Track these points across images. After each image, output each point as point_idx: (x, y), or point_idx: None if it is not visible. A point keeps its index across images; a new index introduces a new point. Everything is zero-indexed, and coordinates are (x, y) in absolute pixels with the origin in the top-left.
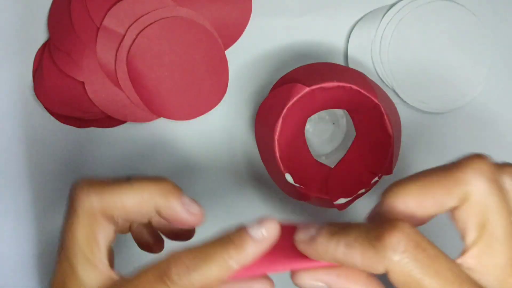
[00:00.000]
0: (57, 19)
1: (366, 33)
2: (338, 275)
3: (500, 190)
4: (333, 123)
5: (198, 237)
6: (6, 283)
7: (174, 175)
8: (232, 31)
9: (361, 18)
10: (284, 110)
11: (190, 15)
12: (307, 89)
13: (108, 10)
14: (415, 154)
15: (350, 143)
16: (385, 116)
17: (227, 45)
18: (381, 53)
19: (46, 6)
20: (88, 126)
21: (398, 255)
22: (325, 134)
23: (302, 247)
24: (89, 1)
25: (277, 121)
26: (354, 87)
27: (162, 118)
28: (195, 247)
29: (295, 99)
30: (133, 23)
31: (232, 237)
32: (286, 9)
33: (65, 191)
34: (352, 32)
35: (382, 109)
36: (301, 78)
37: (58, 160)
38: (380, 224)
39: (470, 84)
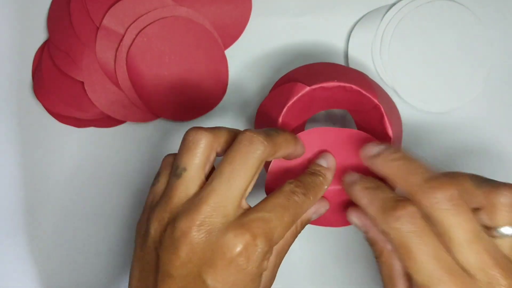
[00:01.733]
0: (57, 19)
1: (366, 33)
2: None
3: (459, 210)
4: (333, 124)
5: None
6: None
7: None
8: (232, 31)
9: (361, 17)
10: (284, 109)
11: (190, 14)
12: (308, 88)
13: (108, 9)
14: (415, 154)
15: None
16: (385, 117)
17: (227, 45)
18: (381, 53)
19: (45, 6)
20: (88, 126)
21: (396, 223)
22: None
23: (345, 185)
24: (88, 1)
25: (277, 121)
26: (354, 87)
27: (162, 118)
28: None
29: (295, 98)
30: (132, 22)
31: None
32: (286, 9)
33: (64, 191)
34: (352, 32)
35: (382, 109)
36: (302, 77)
37: (57, 159)
38: (399, 200)
39: (470, 84)
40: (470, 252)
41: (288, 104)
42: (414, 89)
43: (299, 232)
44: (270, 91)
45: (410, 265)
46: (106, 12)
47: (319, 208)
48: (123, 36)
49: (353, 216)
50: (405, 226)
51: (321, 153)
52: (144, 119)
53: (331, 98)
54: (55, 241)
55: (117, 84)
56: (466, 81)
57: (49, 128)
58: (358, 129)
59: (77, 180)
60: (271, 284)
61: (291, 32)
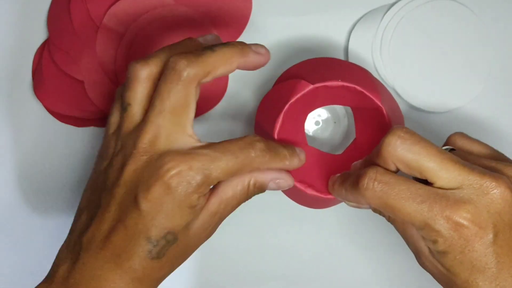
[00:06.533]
0: (57, 18)
1: (366, 32)
2: None
3: (412, 141)
4: (335, 122)
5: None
6: None
7: None
8: (232, 31)
9: (362, 17)
10: (286, 106)
11: (190, 14)
12: (311, 86)
13: (108, 9)
14: None
15: (350, 142)
16: (387, 118)
17: None
18: (382, 52)
19: (45, 5)
20: (88, 125)
21: (366, 191)
22: (326, 132)
23: (329, 190)
24: (88, 0)
25: (278, 117)
26: (358, 88)
27: None
28: None
29: (298, 95)
30: (132, 22)
31: None
32: (286, 8)
33: (64, 190)
34: (353, 31)
35: (385, 111)
36: (306, 74)
37: (57, 159)
38: (360, 171)
39: (470, 84)
40: (446, 171)
41: (291, 101)
42: (414, 89)
43: (251, 194)
44: (274, 85)
45: (403, 217)
46: (106, 11)
47: (279, 178)
48: (123, 36)
49: (350, 206)
50: (376, 188)
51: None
52: None
53: (333, 96)
54: (55, 240)
55: (117, 83)
56: (466, 81)
57: (49, 127)
58: (358, 127)
59: (77, 179)
60: (209, 230)
61: (292, 31)
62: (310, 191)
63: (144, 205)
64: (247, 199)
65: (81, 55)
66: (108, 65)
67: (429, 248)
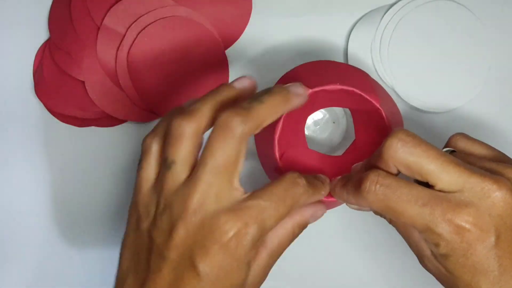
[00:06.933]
0: (58, 19)
1: (366, 33)
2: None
3: (413, 144)
4: (333, 122)
5: None
6: None
7: None
8: (232, 31)
9: (361, 17)
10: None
11: (190, 14)
12: (310, 91)
13: (108, 9)
14: None
15: (349, 142)
16: (386, 120)
17: (227, 44)
18: (381, 52)
19: (46, 6)
20: (88, 126)
21: (368, 194)
22: (324, 133)
23: (331, 193)
24: (89, 1)
25: (278, 122)
26: (356, 90)
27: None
28: None
29: None
30: (133, 22)
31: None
32: (286, 8)
33: (64, 190)
34: (352, 32)
35: (383, 113)
36: (304, 78)
37: (58, 159)
38: (362, 174)
39: (470, 84)
40: (447, 174)
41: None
42: (413, 89)
43: (296, 235)
44: None
45: (404, 220)
46: (107, 12)
47: (316, 211)
48: (124, 36)
49: (353, 208)
50: (378, 192)
51: None
52: (145, 119)
53: (332, 99)
54: (54, 240)
55: (117, 83)
56: (466, 81)
57: (50, 127)
58: (358, 129)
59: (78, 179)
60: (260, 283)
61: (291, 32)
62: None
63: (203, 268)
64: (293, 241)
65: (81, 55)
66: (109, 65)
67: (431, 250)
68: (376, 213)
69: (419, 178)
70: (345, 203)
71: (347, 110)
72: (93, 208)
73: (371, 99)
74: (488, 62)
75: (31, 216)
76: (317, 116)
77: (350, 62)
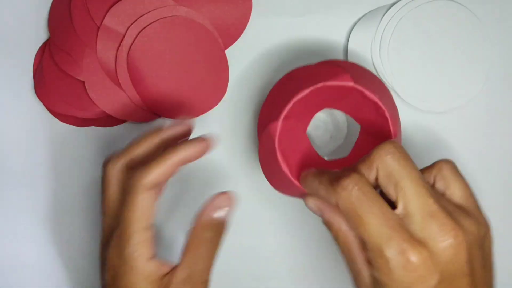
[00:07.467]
0: (58, 19)
1: (366, 33)
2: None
3: (403, 156)
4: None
5: None
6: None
7: None
8: (232, 31)
9: (361, 17)
10: (289, 105)
11: (190, 14)
12: (307, 90)
13: (109, 9)
14: (414, 154)
15: (351, 142)
16: (390, 121)
17: (227, 44)
18: (381, 53)
19: (46, 6)
20: (88, 125)
21: (343, 192)
22: (327, 134)
23: (300, 180)
24: (89, 1)
25: (283, 110)
26: (371, 96)
27: (162, 118)
28: None
29: (305, 92)
30: (133, 22)
31: None
32: (286, 8)
33: (65, 190)
34: (352, 32)
35: (387, 114)
36: (304, 77)
37: (58, 159)
38: (343, 172)
39: (470, 84)
40: (417, 199)
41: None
42: (413, 89)
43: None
44: (268, 95)
45: (362, 230)
46: (107, 11)
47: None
48: (124, 36)
49: (309, 202)
50: (353, 193)
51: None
52: (145, 119)
53: (335, 99)
54: (53, 240)
55: (117, 83)
56: (465, 81)
57: (50, 127)
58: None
59: (78, 179)
60: None
61: (291, 32)
62: None
63: None
64: None
65: (81, 55)
66: (109, 65)
67: (370, 274)
68: (326, 223)
69: (391, 191)
70: (302, 199)
71: (350, 119)
72: (93, 207)
73: (379, 103)
74: (487, 61)
75: (31, 216)
76: (317, 119)
77: (350, 61)
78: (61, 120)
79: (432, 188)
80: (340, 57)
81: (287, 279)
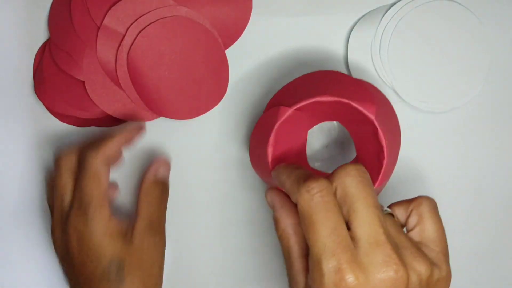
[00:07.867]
0: (58, 19)
1: (365, 33)
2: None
3: (362, 180)
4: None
5: (197, 238)
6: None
7: (173, 174)
8: (232, 31)
9: (361, 17)
10: (272, 135)
11: (190, 14)
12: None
13: (108, 9)
14: (414, 154)
15: (344, 149)
16: (380, 132)
17: (227, 45)
18: (381, 53)
19: (46, 6)
20: (89, 126)
21: (306, 193)
22: (324, 141)
23: (273, 168)
24: (89, 1)
25: (267, 145)
26: (353, 103)
27: (162, 118)
28: None
29: (280, 121)
30: (133, 22)
31: None
32: (286, 8)
33: None
34: (352, 32)
35: (377, 125)
36: (289, 96)
37: None
38: (314, 175)
39: (470, 84)
40: (368, 226)
41: (275, 128)
42: (413, 89)
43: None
44: (262, 115)
45: (310, 236)
46: (107, 12)
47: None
48: (124, 36)
49: (268, 195)
50: (315, 197)
51: None
52: (144, 119)
53: (325, 112)
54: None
55: (118, 83)
56: (465, 81)
57: (50, 127)
58: (353, 137)
59: None
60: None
61: (291, 32)
62: None
63: None
64: None
65: (81, 55)
66: (109, 65)
67: (305, 281)
68: (275, 220)
69: (344, 212)
70: (265, 189)
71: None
72: None
73: (364, 110)
74: (487, 62)
75: (30, 215)
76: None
77: (350, 62)
78: (61, 120)
79: (386, 219)
80: (340, 57)
81: (287, 279)
